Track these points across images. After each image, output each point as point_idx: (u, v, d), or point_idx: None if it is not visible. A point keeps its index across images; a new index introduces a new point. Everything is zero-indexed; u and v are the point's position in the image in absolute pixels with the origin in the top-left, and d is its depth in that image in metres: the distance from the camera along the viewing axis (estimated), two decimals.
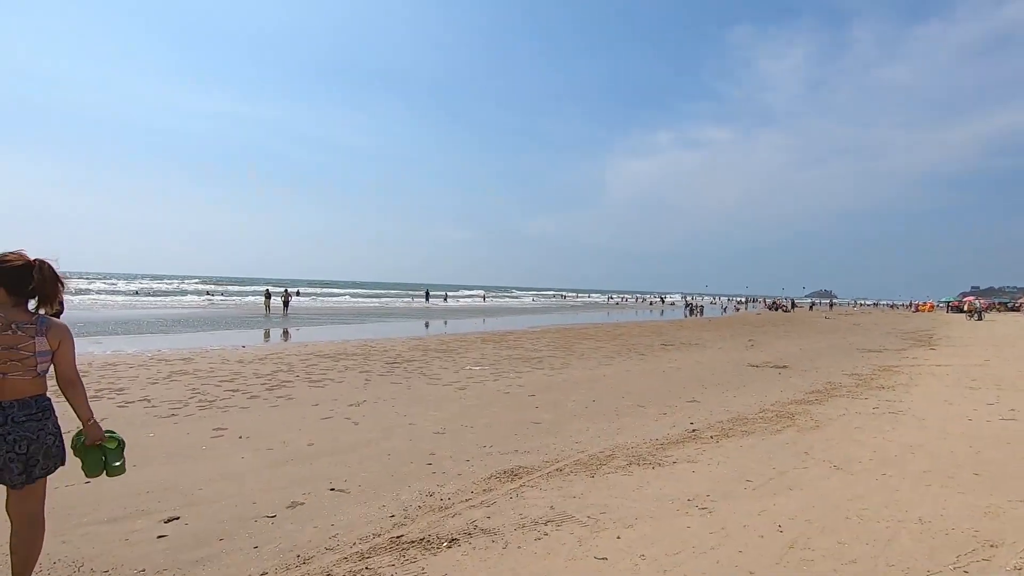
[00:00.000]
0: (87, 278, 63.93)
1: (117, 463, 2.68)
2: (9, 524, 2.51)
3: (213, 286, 64.30)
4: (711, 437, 5.63)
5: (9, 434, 2.35)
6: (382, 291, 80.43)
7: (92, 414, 2.62)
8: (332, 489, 4.20)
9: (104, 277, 73.60)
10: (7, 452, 2.35)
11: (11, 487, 2.41)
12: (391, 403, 7.44)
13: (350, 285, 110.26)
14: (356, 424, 6.20)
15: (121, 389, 8.06)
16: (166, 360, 11.16)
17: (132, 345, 14.08)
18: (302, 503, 3.91)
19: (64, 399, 2.55)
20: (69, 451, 2.62)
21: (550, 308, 52.94)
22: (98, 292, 44.28)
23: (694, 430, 6.01)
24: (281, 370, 10.25)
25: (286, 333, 19.82)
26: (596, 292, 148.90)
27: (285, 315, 28.69)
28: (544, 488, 4.12)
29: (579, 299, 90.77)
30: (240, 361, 11.28)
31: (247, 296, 47.22)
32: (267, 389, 8.31)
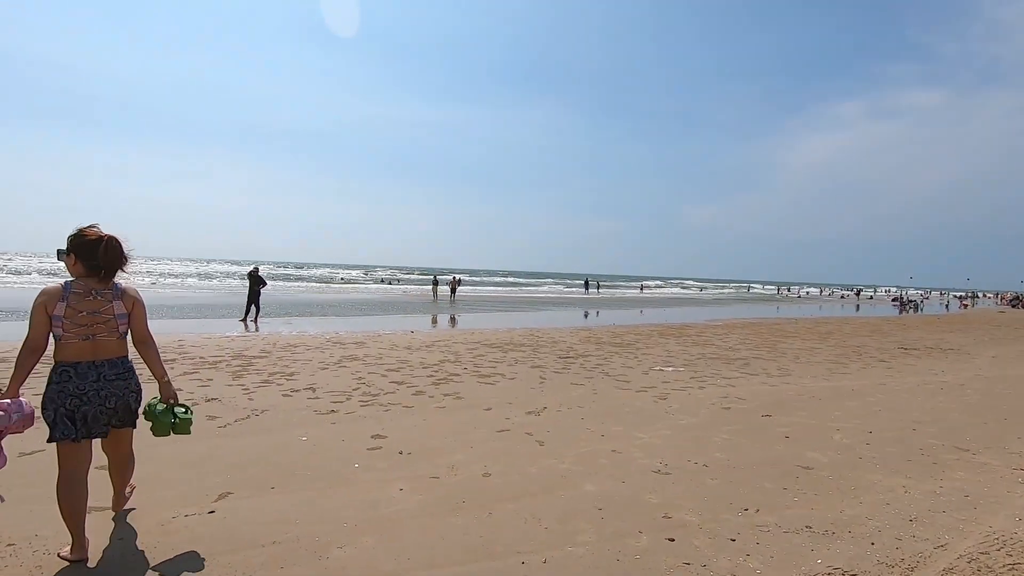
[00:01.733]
0: (295, 265, 73.78)
1: (187, 421, 2.89)
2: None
3: (389, 273, 70.00)
4: None
5: (102, 389, 2.63)
6: (538, 280, 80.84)
7: (166, 372, 2.86)
8: None
9: (307, 266, 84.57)
10: (98, 405, 2.63)
11: (100, 436, 2.70)
12: (578, 413, 5.83)
13: (507, 274, 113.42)
14: (541, 444, 4.66)
15: (292, 374, 7.62)
16: (341, 343, 10.96)
17: (316, 327, 14.55)
18: None
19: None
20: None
21: (722, 300, 47.86)
22: (305, 280, 50.36)
23: None
24: (448, 360, 9.31)
25: (452, 319, 19.61)
26: (759, 283, 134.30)
27: (452, 302, 29.16)
28: None
29: (749, 291, 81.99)
30: (408, 347, 10.66)
31: (418, 284, 50.12)
32: (434, 383, 7.26)
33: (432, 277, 36.48)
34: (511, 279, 75.16)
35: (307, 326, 14.76)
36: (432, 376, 7.77)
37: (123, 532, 2.95)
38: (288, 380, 7.20)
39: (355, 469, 3.96)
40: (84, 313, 2.60)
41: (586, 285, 53.08)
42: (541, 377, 7.96)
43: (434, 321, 18.51)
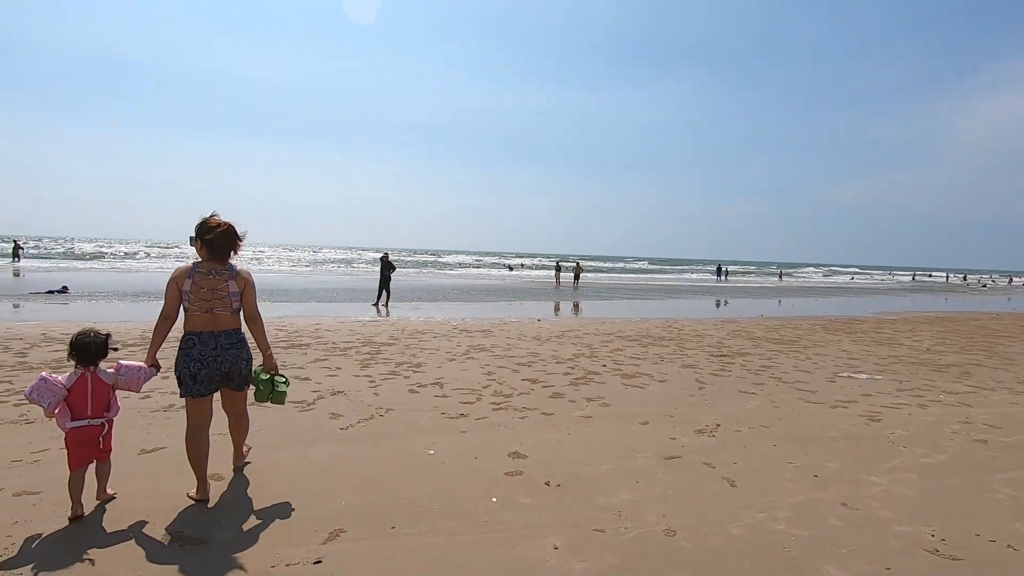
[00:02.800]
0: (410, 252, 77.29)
1: (283, 392, 3.27)
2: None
3: (511, 259, 70.64)
4: None
5: (218, 356, 3.01)
6: (667, 266, 76.87)
7: (269, 346, 3.25)
8: None
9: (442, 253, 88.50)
10: (215, 369, 3.01)
11: (218, 390, 3.11)
12: (763, 436, 4.52)
13: (634, 259, 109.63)
14: (732, 485, 3.47)
15: (419, 365, 7.10)
16: (468, 331, 10.44)
17: (443, 312, 14.35)
18: None
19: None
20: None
21: (882, 290, 41.52)
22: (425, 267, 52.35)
23: None
24: (583, 354, 8.30)
25: (577, 307, 18.58)
26: (923, 270, 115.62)
27: (575, 288, 28.14)
28: None
29: (914, 280, 70.93)
30: (536, 338, 9.83)
31: (541, 270, 49.67)
32: (571, 384, 6.30)
33: (555, 263, 35.68)
34: (639, 264, 72.17)
35: (434, 311, 14.61)
36: (568, 374, 6.82)
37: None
38: (415, 372, 6.66)
39: (493, 505, 3.10)
40: (205, 289, 2.98)
41: (718, 271, 49.13)
42: (698, 381, 6.65)
43: (557, 309, 17.62)
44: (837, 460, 3.96)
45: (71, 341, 2.85)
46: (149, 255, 49.01)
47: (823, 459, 3.98)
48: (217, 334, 3.00)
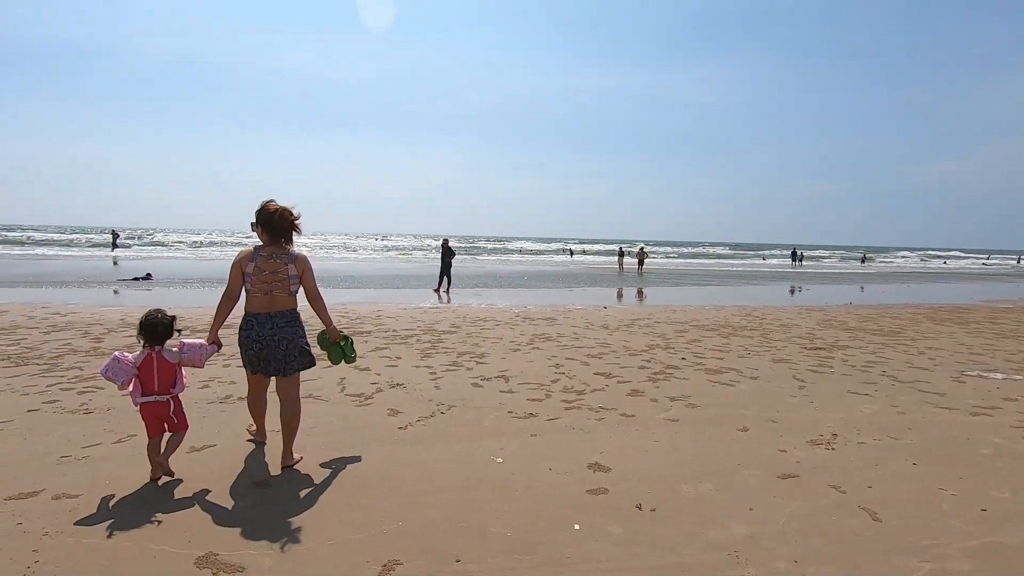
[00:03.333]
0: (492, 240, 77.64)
1: (352, 354, 3.59)
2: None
3: (575, 245, 69.64)
4: None
5: (275, 335, 3.15)
6: (738, 251, 73.35)
7: (331, 320, 3.48)
8: None
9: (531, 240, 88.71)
10: (273, 348, 3.16)
11: (274, 375, 3.26)
12: (896, 448, 3.73)
13: (703, 244, 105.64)
14: (876, 520, 2.75)
15: (482, 355, 6.66)
16: (530, 319, 9.95)
17: (505, 299, 13.93)
18: None
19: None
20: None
21: (976, 273, 37.53)
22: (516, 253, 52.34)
23: None
24: (657, 344, 7.61)
25: (640, 293, 17.67)
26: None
27: (640, 274, 27.04)
28: None
29: (1020, 263, 63.98)
30: (605, 327, 9.19)
31: (604, 256, 48.53)
32: (650, 379, 5.65)
33: (618, 249, 34.56)
34: (710, 249, 69.20)
35: (496, 298, 14.21)
36: (645, 368, 6.17)
37: None
38: (478, 363, 6.22)
39: (575, 535, 2.56)
40: (267, 272, 3.13)
41: (793, 256, 46.13)
42: (797, 379, 5.83)
43: (621, 295, 16.80)
44: (1005, 487, 3.15)
45: (140, 322, 3.04)
46: (226, 244, 51.66)
47: (985, 485, 3.18)
48: (273, 315, 3.15)
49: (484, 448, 3.63)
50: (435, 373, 5.73)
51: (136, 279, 17.13)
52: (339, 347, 3.50)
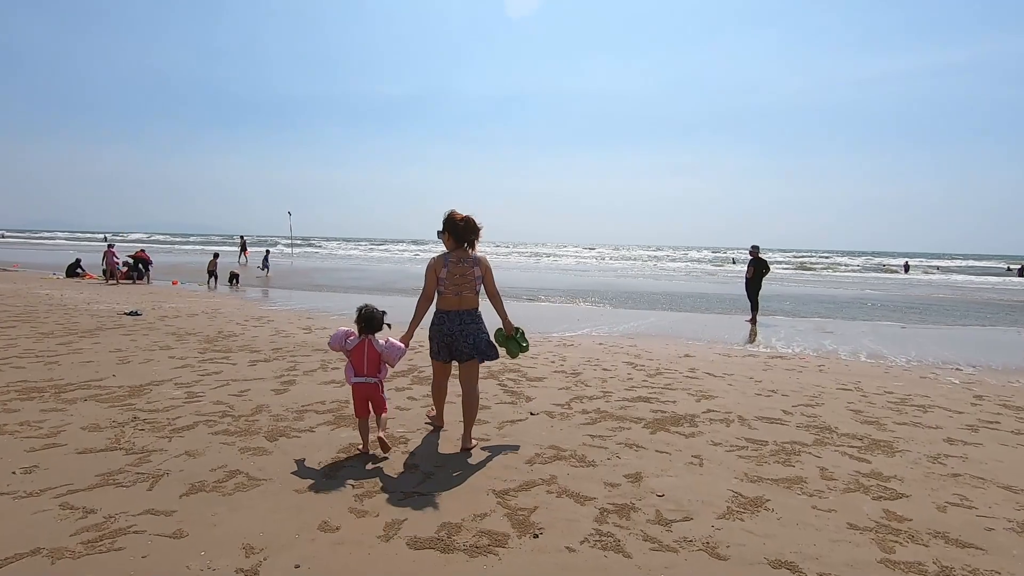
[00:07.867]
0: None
1: (524, 344, 3.95)
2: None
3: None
4: None
5: (463, 330, 3.66)
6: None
7: (507, 315, 3.85)
8: None
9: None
10: (463, 340, 3.65)
11: (461, 361, 3.71)
12: None
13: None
14: None
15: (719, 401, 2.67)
16: (985, 396, 5.18)
17: (893, 343, 8.86)
18: None
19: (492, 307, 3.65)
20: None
21: None
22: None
23: None
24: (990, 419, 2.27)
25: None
26: None
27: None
28: None
29: None
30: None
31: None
32: None
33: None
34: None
35: (869, 340, 9.19)
36: None
37: None
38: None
39: None
40: (457, 276, 3.64)
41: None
42: None
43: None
44: None
45: (359, 310, 3.53)
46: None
47: None
48: (462, 313, 3.66)
49: None
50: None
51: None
52: (515, 340, 3.91)
